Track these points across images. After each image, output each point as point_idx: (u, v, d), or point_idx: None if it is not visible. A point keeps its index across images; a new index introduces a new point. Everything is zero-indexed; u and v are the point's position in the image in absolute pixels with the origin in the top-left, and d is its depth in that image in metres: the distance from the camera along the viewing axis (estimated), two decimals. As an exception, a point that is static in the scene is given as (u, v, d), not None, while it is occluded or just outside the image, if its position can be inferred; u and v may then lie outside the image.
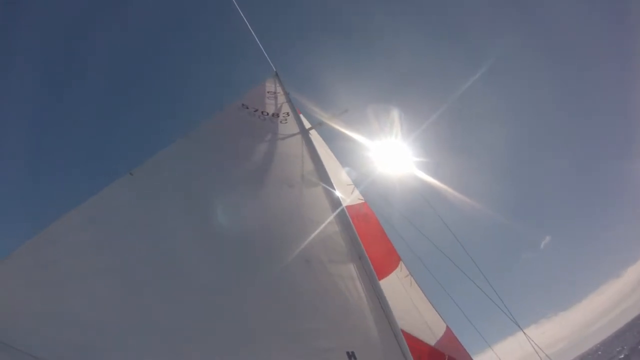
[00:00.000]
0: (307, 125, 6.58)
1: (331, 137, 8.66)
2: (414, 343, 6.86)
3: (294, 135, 5.99)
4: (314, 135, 7.33)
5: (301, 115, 6.87)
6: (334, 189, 5.18)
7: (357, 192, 8.42)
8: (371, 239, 7.80)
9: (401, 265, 8.34)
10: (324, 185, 5.18)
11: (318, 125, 6.86)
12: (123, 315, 2.74)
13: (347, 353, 3.43)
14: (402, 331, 6.27)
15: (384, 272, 7.73)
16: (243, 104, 6.23)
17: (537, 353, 5.55)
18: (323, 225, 4.59)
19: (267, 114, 6.27)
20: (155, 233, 3.67)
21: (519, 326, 5.71)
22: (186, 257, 3.53)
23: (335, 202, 5.03)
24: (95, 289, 2.86)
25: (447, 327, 7.81)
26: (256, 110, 6.23)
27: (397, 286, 7.81)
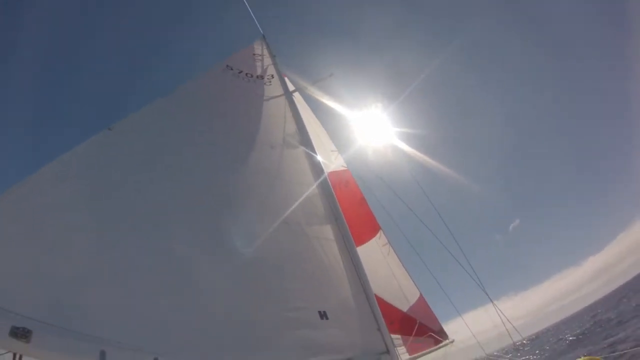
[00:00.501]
0: (291, 87, 6.53)
1: (317, 106, 8.62)
2: (388, 308, 7.08)
3: (277, 97, 5.95)
4: (298, 99, 7.29)
5: (286, 78, 6.81)
6: (314, 152, 5.21)
7: (340, 159, 8.45)
8: (351, 206, 7.91)
9: (380, 233, 8.51)
10: (304, 147, 5.20)
11: (302, 88, 6.81)
12: (98, 272, 2.74)
13: (319, 312, 3.54)
14: (377, 296, 6.48)
15: (362, 239, 7.88)
16: (228, 65, 6.13)
17: (503, 324, 5.75)
18: (309, 190, 4.67)
19: (252, 75, 6.18)
20: (133, 190, 3.64)
21: (488, 296, 5.91)
22: (163, 215, 3.53)
23: (315, 165, 5.07)
24: (70, 245, 2.84)
25: (420, 294, 8.07)
26: (241, 72, 6.14)
27: (376, 253, 8.00)
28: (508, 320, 5.77)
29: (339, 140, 8.89)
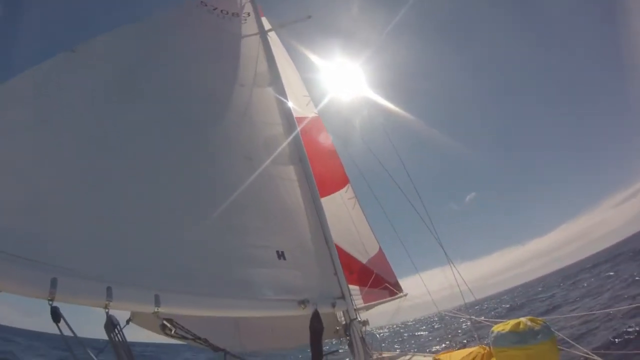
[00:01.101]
0: (267, 26, 6.31)
1: (294, 50, 8.41)
2: (347, 259, 7.35)
3: (252, 35, 5.74)
4: (274, 40, 7.08)
5: (263, 18, 6.56)
6: (284, 92, 5.14)
7: (312, 105, 8.37)
8: (319, 153, 7.95)
9: (348, 187, 8.65)
10: (274, 87, 5.11)
11: (278, 27, 6.59)
12: (53, 199, 2.65)
13: (277, 252, 3.60)
14: (337, 246, 6.66)
15: (329, 190, 8.01)
16: (202, 1, 5.83)
17: (458, 285, 6.00)
18: (275, 129, 4.66)
19: (227, 12, 5.90)
20: (95, 117, 3.46)
21: (447, 256, 6.11)
22: (124, 145, 3.40)
23: (283, 106, 5.02)
24: (28, 173, 2.74)
25: (380, 248, 8.38)
26: (215, 9, 5.84)
27: (341, 205, 8.16)
28: (464, 281, 6.03)
29: (313, 89, 8.79)
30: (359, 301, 6.94)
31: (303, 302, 3.41)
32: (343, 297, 4.12)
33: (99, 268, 2.29)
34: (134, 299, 2.25)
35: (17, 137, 2.86)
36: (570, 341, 3.36)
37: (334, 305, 3.92)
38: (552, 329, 3.06)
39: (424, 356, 5.31)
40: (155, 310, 2.27)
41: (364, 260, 7.82)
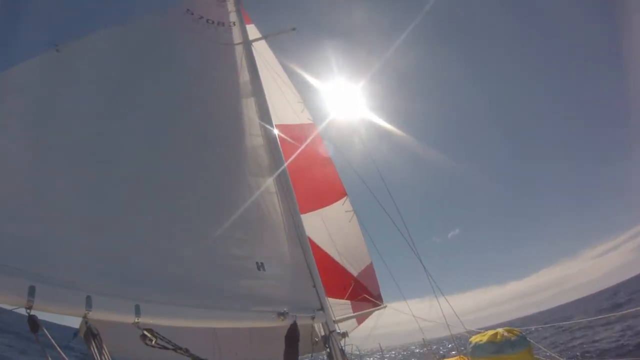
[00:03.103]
0: (254, 35, 6.46)
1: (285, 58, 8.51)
2: (337, 269, 7.47)
3: (237, 44, 5.85)
4: (263, 48, 7.19)
5: (251, 25, 6.71)
6: (266, 104, 5.30)
7: (306, 112, 8.47)
8: (311, 163, 8.04)
9: (346, 199, 8.68)
10: (256, 97, 5.26)
11: (261, 38, 6.73)
12: (29, 201, 2.62)
13: (257, 263, 3.73)
14: (328, 256, 6.73)
15: (324, 201, 8.10)
16: (188, 10, 5.92)
17: (445, 317, 6.08)
18: (255, 140, 4.77)
19: (213, 22, 6.01)
20: (76, 117, 3.47)
21: (437, 287, 6.20)
22: (104, 149, 3.41)
23: (264, 116, 5.18)
24: (7, 174, 2.73)
25: (371, 262, 8.48)
26: (201, 18, 5.94)
27: (337, 217, 8.21)
28: (456, 314, 6.10)
29: (310, 97, 8.83)
30: (343, 312, 7.02)
31: (282, 314, 3.51)
32: (322, 309, 4.22)
33: (79, 276, 2.34)
34: (114, 309, 2.32)
35: None
36: (546, 350, 3.51)
37: (313, 318, 4.03)
38: (528, 339, 3.23)
39: None
40: (136, 320, 2.34)
41: (355, 273, 7.93)
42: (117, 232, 2.84)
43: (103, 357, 2.06)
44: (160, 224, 3.20)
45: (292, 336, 3.58)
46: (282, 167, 4.81)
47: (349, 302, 7.54)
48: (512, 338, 3.16)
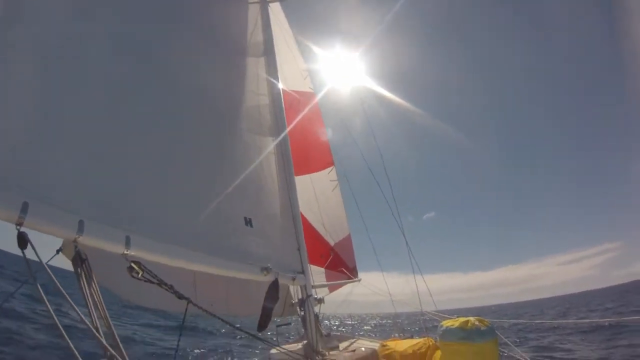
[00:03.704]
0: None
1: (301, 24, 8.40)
2: (315, 237, 7.59)
3: (253, 3, 5.67)
4: (278, 12, 7.07)
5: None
6: (275, 64, 5.25)
7: (309, 81, 8.47)
8: (306, 130, 8.09)
9: (332, 169, 8.80)
10: (266, 58, 5.21)
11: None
12: (37, 123, 2.55)
13: (245, 218, 3.78)
14: (308, 223, 6.86)
15: (311, 167, 8.18)
16: None
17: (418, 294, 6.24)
18: (260, 100, 4.74)
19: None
20: (98, 47, 3.30)
21: (417, 265, 6.33)
22: (118, 83, 3.28)
23: (272, 76, 5.15)
24: (17, 93, 2.65)
25: (349, 234, 8.66)
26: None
27: (321, 185, 8.32)
28: (430, 293, 6.25)
29: (314, 69, 8.83)
30: (318, 279, 7.19)
31: (266, 269, 3.61)
32: (303, 272, 4.33)
33: (73, 201, 2.32)
34: (105, 237, 2.32)
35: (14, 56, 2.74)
36: (510, 344, 3.64)
37: (293, 279, 4.14)
38: (496, 332, 3.36)
39: (371, 341, 5.59)
40: (125, 251, 2.36)
41: (332, 242, 8.08)
42: (118, 167, 2.79)
43: (91, 282, 2.09)
44: (158, 166, 3.14)
45: (273, 293, 3.69)
46: (284, 132, 4.86)
47: (323, 270, 7.71)
48: (482, 328, 3.27)
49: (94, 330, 1.95)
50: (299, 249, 4.41)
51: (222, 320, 3.18)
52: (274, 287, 3.71)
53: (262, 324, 3.76)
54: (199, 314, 4.61)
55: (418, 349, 4.30)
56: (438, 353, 3.66)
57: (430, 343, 4.36)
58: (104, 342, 1.88)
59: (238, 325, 3.42)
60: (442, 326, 3.48)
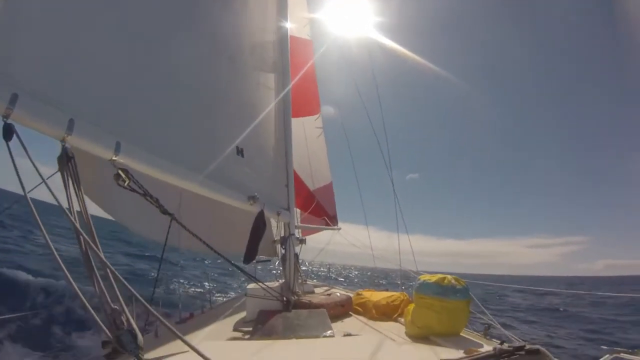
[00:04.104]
0: None
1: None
2: (297, 181, 7.58)
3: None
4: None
5: None
6: (286, 4, 5.12)
7: (308, 29, 8.38)
8: (300, 76, 7.94)
9: (319, 116, 8.76)
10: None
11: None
12: (32, 12, 2.36)
13: (237, 147, 3.69)
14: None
15: (301, 111, 8.11)
16: None
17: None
18: (266, 35, 4.58)
19: None
20: None
21: (404, 223, 6.38)
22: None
23: (280, 13, 4.99)
24: None
25: (331, 182, 8.72)
26: None
27: (307, 130, 8.29)
28: (413, 252, 6.33)
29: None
30: (299, 219, 7.27)
31: (252, 198, 3.58)
32: (289, 209, 4.32)
33: (66, 98, 2.20)
34: (95, 140, 2.21)
35: None
36: (482, 307, 3.73)
37: (279, 214, 4.14)
38: (470, 293, 3.42)
39: (346, 291, 5.73)
40: (114, 157, 2.27)
41: (312, 188, 8.12)
42: (117, 73, 2.62)
43: (75, 181, 2.00)
44: (157, 79, 2.97)
45: (259, 223, 3.68)
46: (287, 66, 4.78)
47: (303, 214, 7.78)
48: (458, 286, 3.35)
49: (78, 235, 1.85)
50: (287, 185, 4.40)
51: (207, 245, 3.12)
52: (260, 217, 3.70)
53: (249, 256, 3.76)
54: (178, 247, 4.62)
55: (392, 301, 4.42)
56: (411, 307, 3.71)
57: (404, 297, 4.50)
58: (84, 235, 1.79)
59: (223, 257, 3.38)
60: (419, 279, 3.54)
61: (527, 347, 1.70)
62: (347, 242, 8.23)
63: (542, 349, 1.70)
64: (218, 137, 3.56)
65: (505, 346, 1.69)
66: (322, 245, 8.33)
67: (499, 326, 3.51)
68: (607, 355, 2.39)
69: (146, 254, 21.86)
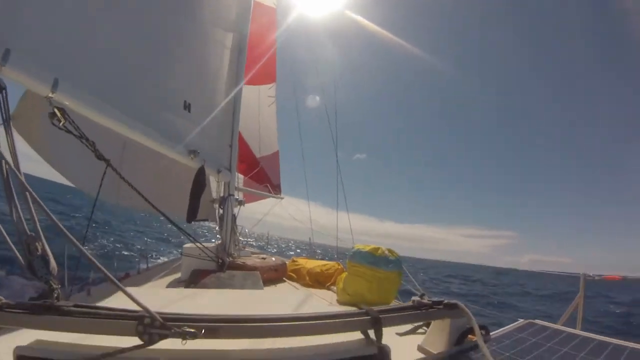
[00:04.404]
0: None
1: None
2: (243, 146, 7.57)
3: None
4: None
5: None
6: None
7: None
8: (259, 42, 7.83)
9: (272, 87, 8.68)
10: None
11: None
12: None
13: (185, 101, 3.64)
14: (240, 131, 6.77)
15: (255, 79, 7.97)
16: None
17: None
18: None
19: None
20: None
21: (344, 193, 6.55)
22: None
23: None
24: None
25: (277, 151, 8.77)
26: None
27: (260, 98, 8.20)
28: (351, 230, 6.52)
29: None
30: (241, 184, 7.27)
31: (193, 152, 3.55)
32: (230, 169, 4.34)
33: (2, 27, 2.09)
34: (31, 73, 2.11)
35: None
36: (413, 279, 3.92)
37: (219, 171, 4.13)
38: (403, 266, 3.57)
39: (282, 259, 5.88)
40: (50, 95, 2.19)
41: (258, 155, 8.13)
42: (65, 10, 2.50)
43: (3, 110, 1.93)
44: (108, 26, 2.85)
45: (198, 179, 3.67)
46: (246, 27, 4.69)
47: (246, 179, 7.79)
48: (390, 257, 3.48)
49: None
50: (231, 146, 4.38)
51: (147, 200, 3.07)
52: (201, 173, 3.69)
53: (191, 213, 3.75)
54: (117, 203, 4.51)
55: (326, 270, 4.57)
56: (344, 275, 3.81)
57: (339, 267, 4.64)
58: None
59: (163, 214, 3.35)
60: (354, 248, 3.66)
61: (446, 301, 1.79)
62: (287, 216, 8.37)
63: (460, 303, 1.79)
64: (166, 88, 3.49)
65: (426, 299, 1.75)
66: (263, 217, 8.43)
67: (427, 299, 3.76)
68: (522, 320, 2.59)
69: (77, 215, 20.97)
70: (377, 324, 1.40)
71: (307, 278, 4.54)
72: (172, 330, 1.05)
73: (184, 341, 1.06)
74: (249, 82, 7.85)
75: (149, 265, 6.44)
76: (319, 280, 4.47)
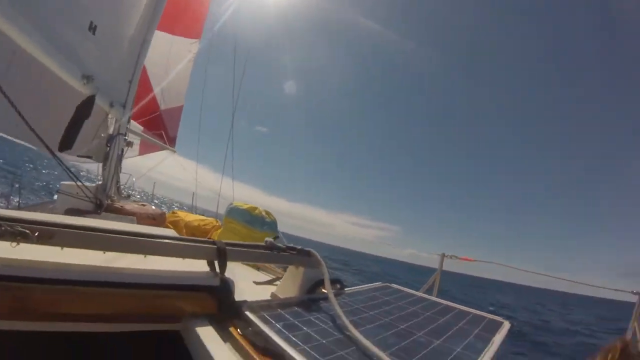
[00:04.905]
0: None
1: None
2: (148, 94, 7.25)
3: None
4: None
5: None
6: None
7: None
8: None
9: (196, 43, 8.36)
10: None
11: None
12: None
13: (91, 22, 3.43)
14: (148, 78, 6.46)
15: (179, 30, 7.64)
16: None
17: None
18: None
19: None
20: None
21: (232, 161, 6.54)
22: None
23: None
24: None
25: (182, 106, 8.52)
26: None
27: (178, 50, 7.85)
28: (234, 198, 6.50)
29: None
30: (135, 128, 6.93)
31: (87, 78, 3.34)
32: (124, 106, 4.17)
33: None
34: None
35: None
36: (284, 240, 4.07)
37: (112, 105, 3.94)
38: (279, 230, 3.58)
39: (161, 210, 5.76)
40: None
41: (162, 106, 7.83)
42: None
43: None
44: None
45: (83, 108, 3.42)
46: None
47: (142, 128, 7.47)
48: (267, 219, 3.49)
49: None
50: (130, 82, 4.17)
51: (26, 123, 2.70)
52: (88, 102, 3.44)
53: (65, 141, 3.41)
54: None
55: (204, 225, 4.58)
56: (219, 231, 3.80)
57: (216, 223, 4.69)
58: None
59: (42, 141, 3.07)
60: (231, 204, 3.63)
61: (300, 247, 1.82)
62: (175, 175, 8.11)
63: (314, 252, 1.82)
64: (74, 3, 3.25)
65: (280, 244, 1.77)
66: (154, 166, 8.10)
67: (283, 245, 3.94)
68: (380, 283, 2.53)
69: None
70: (222, 255, 1.42)
71: (184, 231, 4.50)
72: (3, 229, 0.98)
73: (15, 244, 1.00)
74: (172, 32, 7.53)
75: (22, 203, 5.88)
76: (195, 234, 4.44)
